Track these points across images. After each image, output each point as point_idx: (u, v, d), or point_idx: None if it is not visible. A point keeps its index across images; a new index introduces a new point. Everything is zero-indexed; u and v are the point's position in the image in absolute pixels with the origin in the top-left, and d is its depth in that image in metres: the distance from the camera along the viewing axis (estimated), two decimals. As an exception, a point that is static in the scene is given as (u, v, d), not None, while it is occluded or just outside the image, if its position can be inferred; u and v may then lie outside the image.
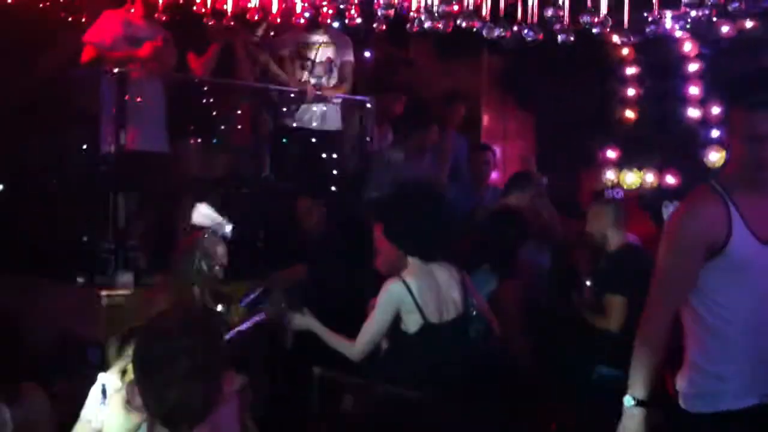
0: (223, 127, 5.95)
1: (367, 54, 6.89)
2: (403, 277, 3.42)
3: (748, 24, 5.99)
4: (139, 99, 5.35)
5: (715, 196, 2.53)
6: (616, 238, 4.51)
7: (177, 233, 5.07)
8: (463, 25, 4.91)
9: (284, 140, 6.19)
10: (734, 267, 2.52)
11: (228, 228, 3.98)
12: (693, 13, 5.83)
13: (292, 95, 6.09)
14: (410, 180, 4.72)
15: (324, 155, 6.24)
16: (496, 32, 4.94)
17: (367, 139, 6.33)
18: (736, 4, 5.18)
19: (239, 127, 6.10)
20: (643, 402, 2.54)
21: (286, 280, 4.60)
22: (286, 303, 3.73)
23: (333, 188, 6.10)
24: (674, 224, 2.60)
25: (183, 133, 5.68)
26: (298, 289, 4.22)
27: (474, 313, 3.62)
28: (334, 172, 6.25)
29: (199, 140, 5.77)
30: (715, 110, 6.12)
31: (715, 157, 5.96)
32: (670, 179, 6.28)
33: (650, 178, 6.40)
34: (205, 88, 5.90)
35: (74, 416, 2.48)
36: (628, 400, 2.55)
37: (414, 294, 3.39)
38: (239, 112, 6.09)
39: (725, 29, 6.07)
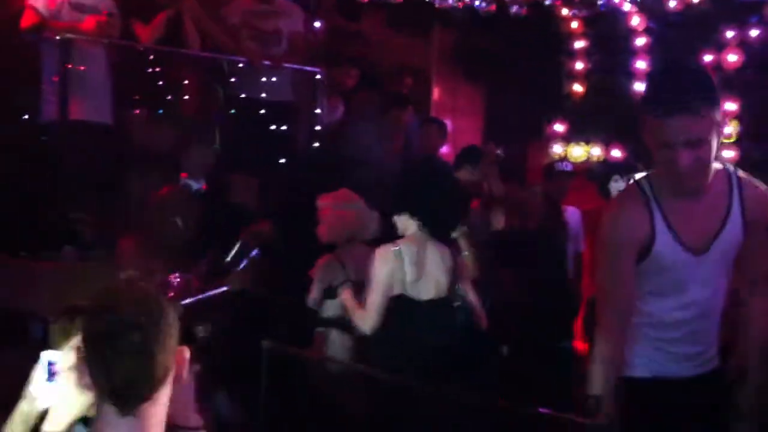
0: (170, 98, 5.83)
1: (317, 25, 6.80)
2: (399, 245, 3.43)
3: (695, -1, 6.08)
4: (82, 67, 5.20)
5: (641, 199, 2.53)
6: None
7: (123, 205, 4.99)
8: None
9: (233, 111, 6.10)
10: (659, 270, 2.55)
11: (198, 185, 4.00)
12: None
13: (241, 65, 5.99)
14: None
15: (274, 127, 6.16)
16: (449, 2, 4.93)
17: (317, 111, 6.26)
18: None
19: (187, 97, 5.99)
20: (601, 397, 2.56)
21: (257, 234, 4.55)
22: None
23: (283, 161, 6.04)
24: (604, 228, 2.61)
25: (128, 103, 5.55)
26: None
27: (458, 304, 3.62)
28: (285, 144, 6.19)
29: (145, 111, 5.66)
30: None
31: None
32: (616, 153, 6.37)
33: (597, 151, 6.48)
34: (151, 57, 5.76)
35: (17, 392, 2.42)
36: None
37: (405, 262, 3.41)
38: (187, 82, 5.97)
39: (672, 3, 6.15)
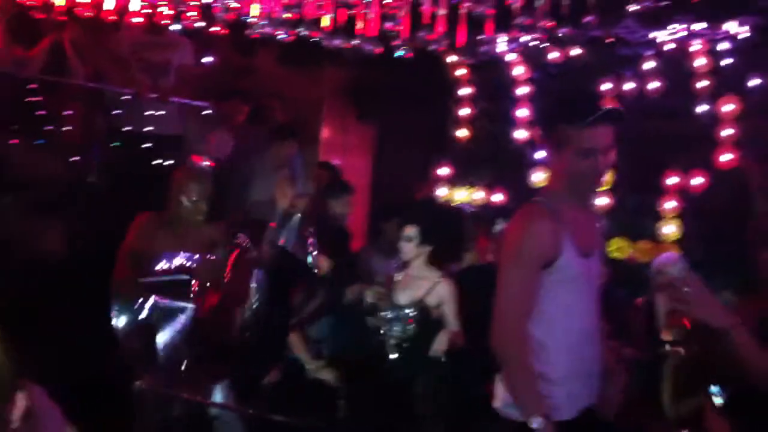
0: (50, 127, 5.67)
1: (208, 59, 6.76)
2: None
3: (575, 51, 6.33)
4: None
5: (547, 213, 2.69)
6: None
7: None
8: (303, 34, 4.94)
9: (117, 143, 5.96)
10: (561, 280, 2.67)
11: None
12: (524, 38, 6.14)
13: (127, 97, 5.88)
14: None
15: (161, 160, 6.05)
16: (336, 42, 5.01)
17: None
18: (565, 30, 5.49)
19: (69, 127, 5.83)
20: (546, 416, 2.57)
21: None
22: None
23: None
24: (515, 241, 2.69)
25: (6, 131, 5.36)
26: None
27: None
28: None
29: (24, 139, 5.47)
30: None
31: (539, 177, 6.25)
32: (499, 197, 6.53)
33: (480, 195, 6.63)
34: (32, 86, 5.60)
35: None
36: (537, 423, 2.55)
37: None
38: (69, 112, 5.82)
39: (554, 55, 6.40)
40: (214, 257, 4.29)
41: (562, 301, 2.68)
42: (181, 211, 4.33)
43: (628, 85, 6.23)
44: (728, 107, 5.80)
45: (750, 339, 2.36)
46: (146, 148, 5.96)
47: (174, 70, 6.02)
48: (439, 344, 3.95)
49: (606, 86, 6.27)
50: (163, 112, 5.97)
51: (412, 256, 4.05)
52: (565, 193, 2.74)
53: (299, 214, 4.47)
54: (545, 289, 2.66)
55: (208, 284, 4.23)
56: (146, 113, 5.93)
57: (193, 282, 4.22)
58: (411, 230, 4.04)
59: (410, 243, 4.03)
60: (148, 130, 5.96)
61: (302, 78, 6.94)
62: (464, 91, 6.85)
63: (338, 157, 7.04)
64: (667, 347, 3.95)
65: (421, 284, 4.01)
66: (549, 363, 2.68)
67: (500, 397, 2.78)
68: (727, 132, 5.79)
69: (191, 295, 4.19)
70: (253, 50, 6.81)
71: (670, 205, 5.92)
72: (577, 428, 2.69)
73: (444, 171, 6.81)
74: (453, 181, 6.77)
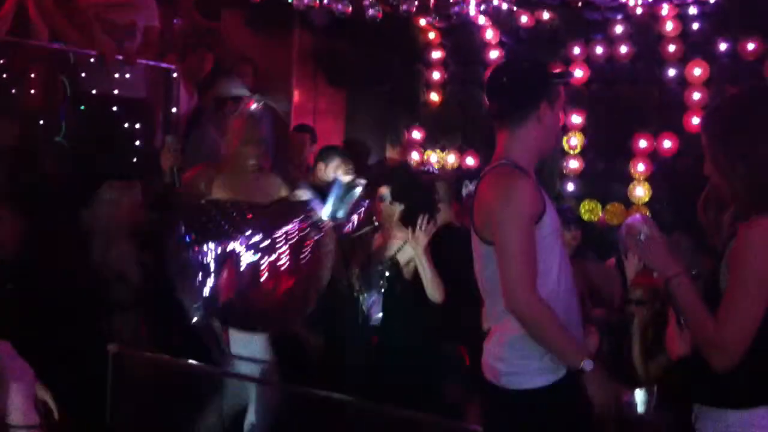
0: (13, 91, 5.53)
1: (174, 22, 6.64)
2: None
3: (545, 15, 6.32)
4: None
5: (524, 174, 2.71)
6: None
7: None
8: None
9: (82, 107, 5.84)
10: (546, 235, 2.71)
11: None
12: (495, 1, 6.12)
13: (92, 59, 5.75)
14: None
15: (126, 124, 5.95)
16: (306, 2, 4.93)
17: (173, 109, 6.10)
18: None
19: (32, 91, 5.69)
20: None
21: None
22: None
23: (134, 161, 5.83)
24: (508, 204, 2.66)
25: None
26: None
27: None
28: (137, 142, 5.98)
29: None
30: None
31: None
32: (470, 161, 6.55)
33: (452, 158, 6.64)
34: (-7, 48, 5.46)
35: None
36: (588, 364, 2.61)
37: None
38: (32, 75, 5.68)
39: (524, 19, 6.38)
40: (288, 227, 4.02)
41: (549, 256, 2.72)
42: (236, 157, 4.15)
43: (598, 50, 6.26)
44: (697, 71, 5.84)
45: (689, 290, 2.42)
46: (112, 111, 5.85)
47: (140, 32, 5.89)
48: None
49: (576, 50, 6.29)
50: (128, 75, 5.85)
51: (385, 215, 4.07)
52: (530, 155, 2.77)
53: (359, 187, 4.32)
54: (537, 245, 2.69)
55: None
56: (112, 76, 5.80)
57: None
58: (384, 190, 4.07)
59: (383, 203, 4.05)
60: (114, 93, 5.84)
61: (271, 41, 6.84)
62: (435, 54, 6.81)
63: (309, 121, 6.98)
64: (635, 307, 4.02)
65: (393, 243, 4.04)
66: None
67: (501, 369, 2.75)
68: (696, 96, 5.84)
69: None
70: (219, 12, 6.69)
71: (640, 168, 5.97)
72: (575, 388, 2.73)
73: (415, 135, 6.80)
74: (424, 145, 6.76)
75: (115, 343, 3.99)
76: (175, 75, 6.03)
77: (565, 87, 2.88)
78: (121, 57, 5.70)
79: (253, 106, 4.27)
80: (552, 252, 2.73)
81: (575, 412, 2.70)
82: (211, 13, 6.70)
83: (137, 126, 5.91)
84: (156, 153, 5.41)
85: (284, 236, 3.97)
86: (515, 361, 2.73)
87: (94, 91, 5.77)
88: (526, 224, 2.65)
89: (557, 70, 3.11)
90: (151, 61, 5.95)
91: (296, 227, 4.01)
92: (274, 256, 3.92)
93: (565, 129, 6.05)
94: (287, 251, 3.94)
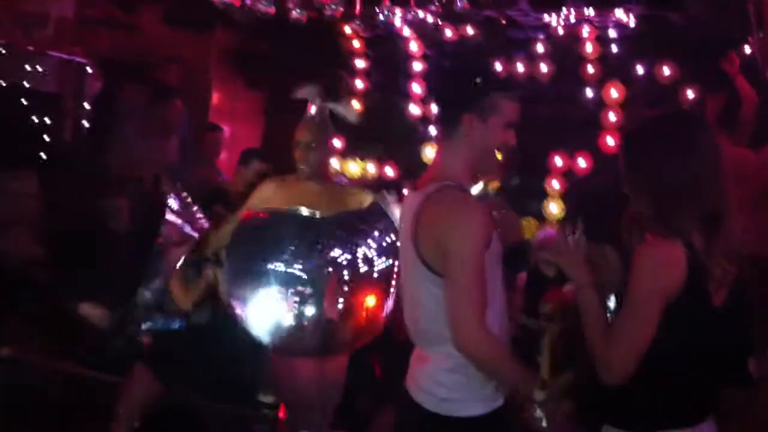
0: None
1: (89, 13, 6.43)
2: None
3: (470, 31, 6.36)
4: None
5: (473, 197, 2.77)
6: None
7: None
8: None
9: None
10: (492, 257, 2.65)
11: None
12: (420, 14, 6.12)
13: (2, 51, 5.53)
14: None
15: (35, 118, 5.73)
16: (227, 0, 4.82)
17: (85, 104, 5.91)
18: (460, 6, 5.48)
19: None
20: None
21: None
22: None
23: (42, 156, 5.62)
24: (468, 235, 2.57)
25: None
26: None
27: None
28: (46, 137, 5.77)
29: None
30: (435, 109, 6.45)
31: (432, 153, 6.26)
32: (390, 171, 6.52)
33: (371, 168, 6.60)
34: None
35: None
36: (540, 395, 2.59)
37: None
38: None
39: (448, 33, 6.40)
40: None
41: (493, 279, 2.66)
42: (297, 163, 3.96)
43: (519, 68, 6.32)
44: (614, 93, 5.95)
45: (592, 302, 2.46)
46: (22, 104, 5.63)
47: (52, 23, 5.69)
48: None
49: (498, 67, 6.33)
50: (39, 68, 5.64)
51: None
52: (464, 172, 2.71)
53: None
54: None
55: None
56: (22, 67, 5.59)
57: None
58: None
59: None
60: (24, 86, 5.62)
61: (190, 39, 6.68)
62: (359, 63, 6.78)
63: (227, 123, 6.85)
64: (544, 322, 4.04)
65: None
66: None
67: (440, 395, 2.67)
68: (612, 117, 5.95)
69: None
70: (136, 7, 6.50)
71: (555, 185, 6.05)
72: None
73: (336, 143, 6.73)
74: (344, 154, 6.70)
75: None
76: (89, 69, 5.85)
77: (513, 101, 2.73)
78: (31, 48, 5.50)
79: (315, 109, 4.04)
80: (495, 274, 2.67)
81: None
82: (126, 5, 6.49)
83: (46, 120, 5.71)
84: (65, 146, 5.24)
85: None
86: (457, 388, 2.65)
87: (2, 83, 5.55)
88: (481, 257, 2.56)
89: (494, 80, 2.95)
90: (64, 55, 5.76)
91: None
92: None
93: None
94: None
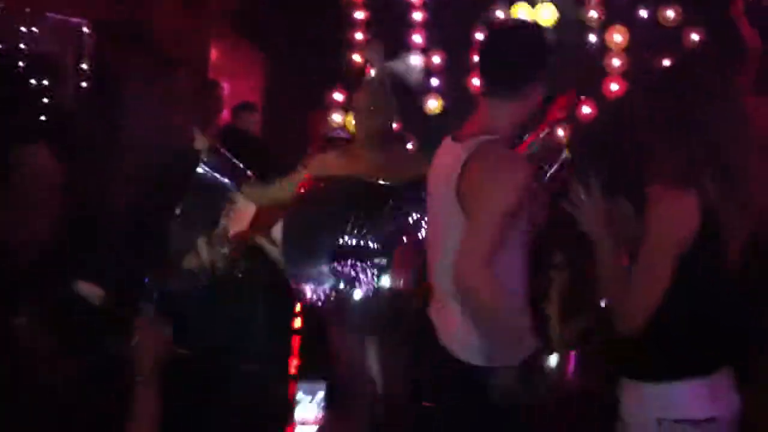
0: None
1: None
2: None
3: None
4: None
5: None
6: None
7: None
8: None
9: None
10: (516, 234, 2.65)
11: None
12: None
13: (-5, 11, 5.47)
14: None
15: (34, 81, 5.68)
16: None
17: (83, 66, 5.85)
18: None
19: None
20: None
21: None
22: None
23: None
24: (512, 177, 2.56)
25: None
26: None
27: None
28: (45, 100, 5.72)
29: None
30: (436, 59, 6.41)
31: (434, 104, 6.24)
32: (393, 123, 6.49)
33: (374, 122, 6.56)
34: None
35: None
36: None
37: None
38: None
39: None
40: None
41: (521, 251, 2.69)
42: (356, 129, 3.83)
43: (520, 15, 6.25)
44: (617, 38, 5.90)
45: (609, 254, 2.47)
46: (18, 67, 5.58)
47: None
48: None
49: (499, 14, 6.27)
50: (36, 30, 5.57)
51: None
52: (513, 131, 2.74)
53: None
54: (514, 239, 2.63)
55: None
56: (17, 30, 5.52)
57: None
58: None
59: None
60: (21, 48, 5.56)
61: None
62: (358, 15, 6.70)
63: (227, 81, 6.79)
64: (554, 271, 4.06)
65: None
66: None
67: (463, 343, 2.63)
68: (615, 62, 5.90)
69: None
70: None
71: (560, 133, 6.02)
72: None
73: (338, 96, 6.69)
74: (346, 108, 6.66)
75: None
76: (86, 30, 5.79)
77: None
78: (28, 9, 5.44)
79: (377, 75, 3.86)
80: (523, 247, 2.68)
81: None
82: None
83: (45, 83, 5.65)
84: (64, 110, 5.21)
85: None
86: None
87: (-2, 46, 5.50)
88: (507, 210, 2.52)
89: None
90: (60, 16, 5.70)
91: None
92: None
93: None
94: None
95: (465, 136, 2.68)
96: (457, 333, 2.64)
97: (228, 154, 3.94)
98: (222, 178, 3.84)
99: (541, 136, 3.47)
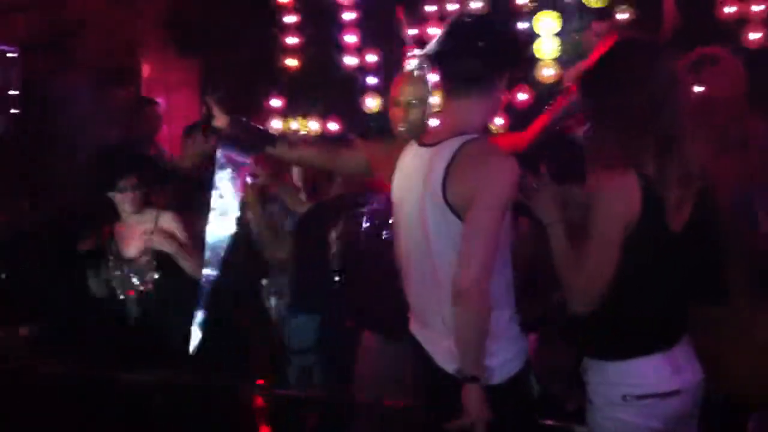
0: None
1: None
2: None
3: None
4: None
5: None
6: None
7: None
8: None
9: None
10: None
11: None
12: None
13: None
14: None
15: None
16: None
17: (12, 92, 5.69)
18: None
19: None
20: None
21: None
22: None
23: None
24: (504, 173, 2.62)
25: None
26: None
27: None
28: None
29: None
30: (371, 58, 6.40)
31: (373, 103, 6.23)
32: (333, 126, 6.47)
33: (314, 125, 6.54)
34: None
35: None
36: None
37: None
38: None
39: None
40: None
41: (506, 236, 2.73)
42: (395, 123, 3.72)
43: (451, 6, 6.26)
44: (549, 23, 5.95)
45: (560, 238, 2.53)
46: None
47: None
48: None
49: (431, 7, 6.28)
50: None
51: None
52: (485, 127, 2.86)
53: None
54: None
55: None
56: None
57: None
58: None
59: None
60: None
61: (116, 7, 6.45)
62: (290, 18, 6.66)
63: (161, 95, 6.69)
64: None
65: None
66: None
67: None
68: (547, 47, 5.96)
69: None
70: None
71: (498, 121, 6.07)
72: None
73: (275, 103, 6.65)
74: (285, 113, 6.63)
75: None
76: (15, 55, 5.63)
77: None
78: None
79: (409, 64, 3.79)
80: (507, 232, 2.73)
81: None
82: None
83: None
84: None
85: None
86: (502, 352, 2.67)
87: None
88: (504, 207, 2.60)
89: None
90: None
91: None
92: None
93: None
94: None
95: (435, 140, 2.70)
96: (446, 354, 2.66)
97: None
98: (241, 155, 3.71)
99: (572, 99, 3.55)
